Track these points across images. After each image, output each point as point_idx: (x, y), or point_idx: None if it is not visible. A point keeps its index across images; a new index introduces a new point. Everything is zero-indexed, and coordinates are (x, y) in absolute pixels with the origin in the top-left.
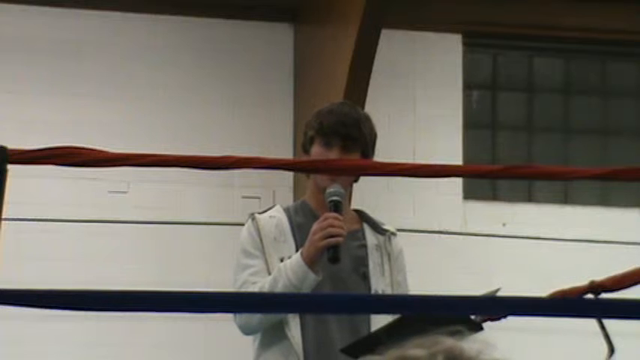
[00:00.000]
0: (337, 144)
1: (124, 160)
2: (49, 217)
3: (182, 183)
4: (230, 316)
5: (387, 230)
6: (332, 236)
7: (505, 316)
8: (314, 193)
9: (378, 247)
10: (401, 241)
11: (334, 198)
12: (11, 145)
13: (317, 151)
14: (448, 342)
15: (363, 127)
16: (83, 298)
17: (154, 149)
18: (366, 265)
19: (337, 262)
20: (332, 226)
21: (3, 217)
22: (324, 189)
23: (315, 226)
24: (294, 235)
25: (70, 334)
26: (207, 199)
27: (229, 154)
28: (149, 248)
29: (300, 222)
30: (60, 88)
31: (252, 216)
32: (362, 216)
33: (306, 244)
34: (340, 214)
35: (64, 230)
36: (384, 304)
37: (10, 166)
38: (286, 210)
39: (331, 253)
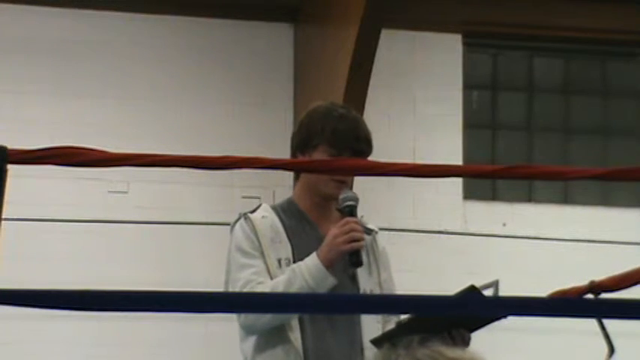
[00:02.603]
0: (347, 156)
1: (124, 160)
2: (49, 217)
3: (182, 183)
4: (230, 316)
5: (372, 229)
6: (354, 240)
7: (505, 316)
8: (304, 194)
9: (365, 246)
10: (383, 239)
11: (350, 203)
12: (11, 145)
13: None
14: (450, 354)
15: (370, 139)
16: (83, 298)
17: (154, 149)
18: None
19: (360, 266)
20: (354, 230)
21: (3, 217)
22: (327, 194)
23: (335, 230)
24: (288, 236)
25: (70, 334)
26: (207, 199)
27: (229, 154)
28: (149, 248)
29: (291, 223)
30: (60, 88)
31: (244, 215)
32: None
33: (325, 247)
34: (356, 218)
35: (64, 230)
36: (384, 304)
37: (10, 166)
38: (274, 209)
39: (354, 258)
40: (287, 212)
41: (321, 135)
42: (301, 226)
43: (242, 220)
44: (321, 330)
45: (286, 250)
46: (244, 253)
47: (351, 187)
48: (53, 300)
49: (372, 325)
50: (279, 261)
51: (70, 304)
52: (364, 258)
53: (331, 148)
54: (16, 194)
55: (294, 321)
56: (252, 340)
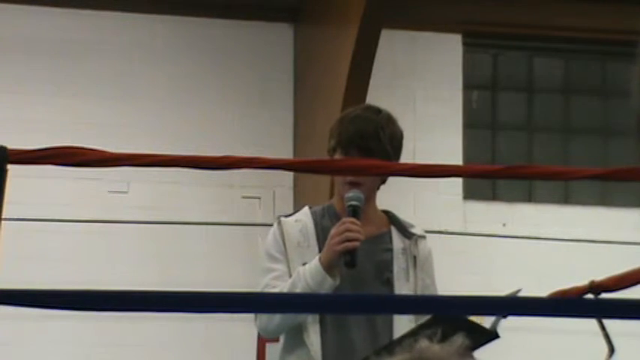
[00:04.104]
0: (355, 155)
1: (124, 160)
2: (49, 217)
3: (182, 183)
4: (230, 316)
5: (413, 234)
6: (349, 240)
7: (505, 316)
8: (338, 197)
9: (404, 250)
10: (429, 243)
11: (353, 202)
12: (11, 145)
13: None
14: (423, 345)
15: (382, 136)
16: (83, 298)
17: (154, 149)
18: (391, 270)
19: (353, 267)
20: (349, 230)
21: (3, 217)
22: (343, 197)
23: (332, 231)
24: (318, 240)
25: (70, 334)
26: (206, 199)
27: (229, 154)
28: (149, 248)
29: (326, 226)
30: (60, 88)
31: (278, 220)
32: (390, 218)
33: (324, 248)
34: (358, 218)
35: (64, 230)
36: (382, 304)
37: (10, 166)
38: (313, 213)
39: (347, 258)
40: (325, 215)
41: (334, 137)
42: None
43: (275, 225)
44: (343, 328)
45: (313, 254)
46: (270, 257)
47: (378, 188)
48: (53, 300)
49: (406, 327)
50: (305, 265)
51: (70, 304)
52: (402, 264)
53: (342, 149)
54: (16, 194)
55: (313, 323)
56: (281, 344)
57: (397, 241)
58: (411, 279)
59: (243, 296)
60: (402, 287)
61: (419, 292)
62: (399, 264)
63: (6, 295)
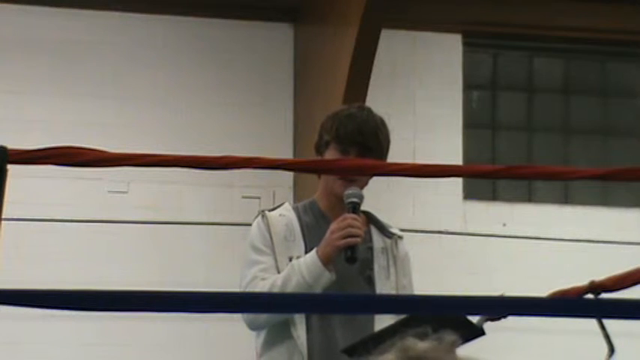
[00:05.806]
0: (353, 152)
1: (124, 160)
2: (49, 217)
3: (182, 183)
4: (230, 315)
5: (393, 234)
6: (351, 236)
7: (505, 316)
8: (324, 194)
9: (385, 250)
10: (407, 244)
11: (353, 199)
12: (11, 145)
13: (332, 157)
14: (416, 345)
15: (380, 135)
16: (83, 298)
17: (154, 149)
18: (372, 269)
19: (355, 263)
20: (351, 226)
21: (3, 217)
22: (337, 194)
23: (333, 226)
24: (303, 235)
25: (70, 334)
26: (207, 199)
27: (229, 154)
28: (149, 248)
29: (309, 222)
30: (60, 88)
31: (262, 213)
32: (369, 218)
33: (323, 243)
34: (358, 215)
35: (64, 230)
36: (382, 304)
37: (10, 166)
38: (295, 209)
39: (349, 253)
40: (307, 212)
41: (330, 133)
42: (319, 225)
43: (259, 218)
44: (328, 327)
45: (299, 249)
46: (256, 250)
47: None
48: (53, 300)
49: (387, 323)
50: (291, 259)
51: (70, 304)
52: (383, 262)
53: (339, 145)
54: (16, 194)
55: (300, 318)
56: (262, 336)
57: (377, 240)
58: (392, 277)
59: (243, 296)
60: (384, 285)
61: (398, 292)
62: (379, 262)
63: (6, 295)
